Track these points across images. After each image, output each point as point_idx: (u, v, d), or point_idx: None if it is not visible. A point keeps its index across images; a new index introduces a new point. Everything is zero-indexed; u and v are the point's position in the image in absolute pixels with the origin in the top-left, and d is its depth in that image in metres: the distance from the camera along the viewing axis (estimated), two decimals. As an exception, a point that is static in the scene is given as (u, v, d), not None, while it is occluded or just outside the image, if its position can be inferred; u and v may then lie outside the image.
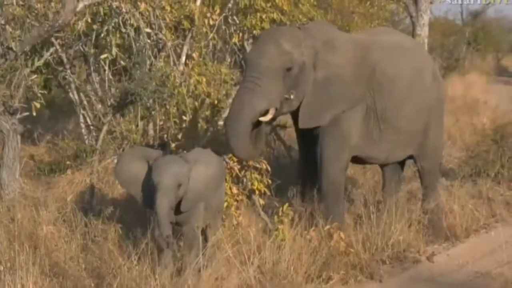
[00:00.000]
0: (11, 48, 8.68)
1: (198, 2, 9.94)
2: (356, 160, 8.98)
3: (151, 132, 10.42)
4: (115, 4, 8.98)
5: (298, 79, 8.05)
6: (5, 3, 8.95)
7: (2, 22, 8.94)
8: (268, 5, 10.29)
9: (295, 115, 8.38)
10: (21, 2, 9.04)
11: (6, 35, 8.79)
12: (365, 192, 9.67)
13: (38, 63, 9.35)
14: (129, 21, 9.43)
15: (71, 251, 7.64)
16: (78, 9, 8.60)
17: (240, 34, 10.47)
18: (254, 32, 10.18)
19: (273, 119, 8.27)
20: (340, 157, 8.44)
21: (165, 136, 10.22)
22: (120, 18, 9.45)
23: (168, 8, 9.39)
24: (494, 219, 9.60)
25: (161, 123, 10.14)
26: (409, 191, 10.36)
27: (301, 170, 9.01)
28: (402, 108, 8.67)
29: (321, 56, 8.17)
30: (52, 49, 9.57)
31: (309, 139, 8.55)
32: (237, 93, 8.16)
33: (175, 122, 9.27)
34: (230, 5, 10.48)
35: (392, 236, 8.12)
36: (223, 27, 10.25)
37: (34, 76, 9.11)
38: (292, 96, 8.02)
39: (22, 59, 8.93)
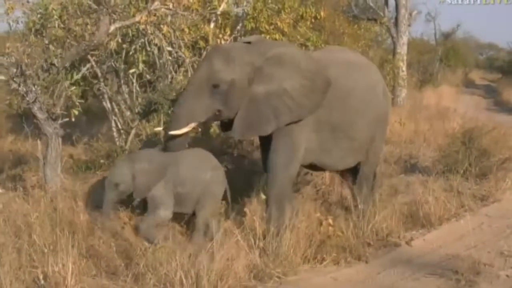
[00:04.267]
0: (54, 64, 8.68)
1: (212, 25, 9.96)
2: (313, 167, 8.56)
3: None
4: (141, 26, 8.98)
5: (227, 94, 7.47)
6: (48, 26, 8.95)
7: (46, 42, 8.96)
8: (271, 27, 10.33)
9: (226, 123, 7.90)
10: (62, 25, 9.03)
11: (50, 53, 8.80)
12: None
13: (77, 76, 9.34)
14: (153, 41, 9.47)
15: (104, 235, 7.65)
16: (110, 31, 8.60)
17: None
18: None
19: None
20: (288, 167, 7.82)
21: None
22: (146, 38, 9.48)
23: (186, 30, 9.40)
24: (463, 209, 9.56)
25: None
26: (391, 186, 10.35)
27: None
28: (356, 120, 8.17)
29: (265, 71, 7.55)
30: (88, 65, 9.58)
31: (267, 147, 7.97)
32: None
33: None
34: (239, 27, 10.50)
35: (376, 224, 8.11)
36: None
37: (73, 88, 9.09)
38: (219, 112, 7.56)
39: (63, 73, 8.93)
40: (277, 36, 10.41)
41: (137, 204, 7.92)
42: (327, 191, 9.66)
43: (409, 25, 22.42)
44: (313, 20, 11.26)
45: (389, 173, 11.33)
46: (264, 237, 7.30)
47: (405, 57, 21.47)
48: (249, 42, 7.80)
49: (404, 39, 21.79)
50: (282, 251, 7.19)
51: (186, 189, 7.74)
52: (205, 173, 7.79)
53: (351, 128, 8.16)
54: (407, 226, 8.65)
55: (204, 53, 8.38)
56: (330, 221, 7.63)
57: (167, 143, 7.69)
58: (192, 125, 7.54)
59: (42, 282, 6.19)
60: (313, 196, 9.49)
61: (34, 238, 6.98)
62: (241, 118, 7.56)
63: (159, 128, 8.39)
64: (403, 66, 20.72)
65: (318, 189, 9.88)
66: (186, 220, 7.92)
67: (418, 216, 8.92)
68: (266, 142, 7.90)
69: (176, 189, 7.72)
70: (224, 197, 7.95)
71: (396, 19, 21.87)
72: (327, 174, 10.48)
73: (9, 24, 9.09)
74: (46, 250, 6.44)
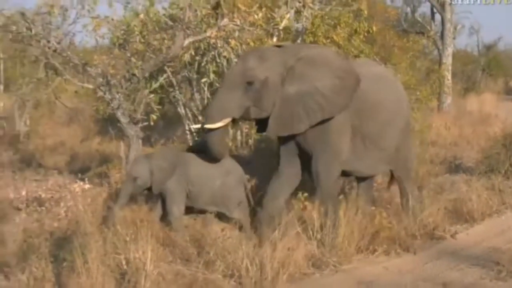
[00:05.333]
0: (135, 75, 8.79)
1: (275, 39, 9.95)
2: (343, 173, 8.11)
3: (239, 137, 10.50)
4: (212, 41, 9.03)
5: (260, 92, 7.26)
6: (130, 41, 9.07)
7: (128, 55, 9.08)
8: (328, 41, 10.27)
9: (262, 124, 7.66)
10: (142, 40, 9.15)
11: (131, 65, 8.91)
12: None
13: (155, 85, 9.44)
14: (222, 54, 9.49)
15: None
16: (184, 45, 8.67)
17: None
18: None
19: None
20: (331, 171, 7.61)
21: (249, 140, 10.30)
22: (216, 51, 9.51)
23: (252, 43, 9.39)
24: (504, 206, 9.39)
25: (246, 130, 10.28)
26: (438, 184, 10.21)
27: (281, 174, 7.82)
28: (385, 130, 7.91)
29: (298, 71, 7.30)
30: (165, 75, 9.66)
31: (291, 147, 7.70)
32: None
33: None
34: (299, 41, 10.45)
35: (423, 219, 8.01)
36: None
37: (151, 95, 9.19)
38: (253, 108, 7.34)
39: (143, 83, 9.04)
40: (333, 49, 10.34)
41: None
42: (379, 188, 9.55)
43: (454, 38, 22.13)
44: (366, 34, 11.13)
45: (435, 173, 11.20)
46: (322, 230, 7.28)
47: (450, 67, 21.17)
48: (279, 46, 7.66)
49: (449, 51, 21.52)
50: (337, 242, 7.15)
51: (195, 187, 7.79)
52: (214, 174, 7.80)
53: (381, 139, 7.91)
54: (451, 221, 8.53)
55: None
56: (382, 215, 7.57)
57: (211, 151, 7.54)
58: (226, 120, 7.33)
59: (125, 267, 6.27)
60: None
61: (117, 228, 7.08)
62: (275, 117, 7.34)
63: (197, 126, 8.22)
64: (448, 75, 20.43)
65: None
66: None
67: (462, 212, 8.79)
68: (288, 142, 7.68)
69: (187, 187, 7.79)
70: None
71: (442, 32, 21.64)
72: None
73: (96, 39, 9.23)
74: (128, 239, 6.51)
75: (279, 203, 7.60)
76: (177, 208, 7.74)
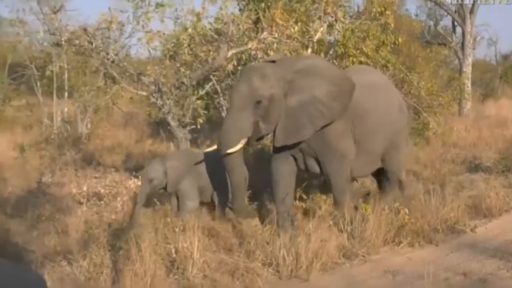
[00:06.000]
0: (184, 83, 8.85)
1: (309, 50, 9.91)
2: None
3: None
4: (253, 52, 9.04)
5: (269, 109, 7.03)
6: (180, 52, 9.13)
7: (178, 65, 9.15)
8: (357, 51, 10.21)
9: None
10: (190, 52, 9.20)
11: (180, 74, 8.98)
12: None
13: (201, 92, 9.49)
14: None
15: (222, 219, 7.74)
16: (228, 56, 8.70)
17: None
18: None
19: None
20: (341, 172, 7.50)
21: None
22: (256, 61, 9.51)
23: (288, 54, 9.38)
24: (520, 203, 9.23)
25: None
26: (458, 182, 10.08)
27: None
28: (373, 137, 7.69)
29: (296, 83, 7.11)
30: (210, 83, 9.71)
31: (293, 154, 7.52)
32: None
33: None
34: (331, 52, 10.41)
35: (445, 214, 7.90)
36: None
37: (198, 101, 9.24)
38: (262, 125, 7.09)
39: (191, 90, 9.09)
40: (362, 59, 10.29)
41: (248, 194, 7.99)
42: (404, 185, 9.45)
43: (473, 49, 21.82)
44: (392, 45, 11.05)
45: (456, 172, 11.05)
46: (351, 223, 7.23)
47: (469, 75, 20.88)
48: (273, 61, 7.40)
49: (469, 60, 21.25)
50: (366, 234, 7.10)
51: (203, 183, 7.84)
52: (218, 171, 7.73)
53: (368, 144, 7.69)
54: (471, 216, 8.38)
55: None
56: (406, 210, 7.49)
57: (227, 163, 7.24)
58: (243, 141, 7.09)
59: (174, 255, 6.31)
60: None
61: (168, 220, 7.13)
62: (282, 128, 7.14)
63: (213, 147, 7.82)
64: (468, 82, 20.14)
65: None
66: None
67: (481, 208, 8.64)
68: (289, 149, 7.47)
69: (198, 183, 7.82)
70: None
71: (462, 43, 21.38)
72: (403, 172, 10.28)
73: (149, 51, 9.33)
74: (177, 230, 6.56)
75: (290, 198, 7.53)
76: (192, 203, 7.81)
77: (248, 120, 6.99)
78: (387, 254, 7.06)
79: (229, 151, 7.03)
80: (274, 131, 7.23)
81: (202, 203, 8.03)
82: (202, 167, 7.92)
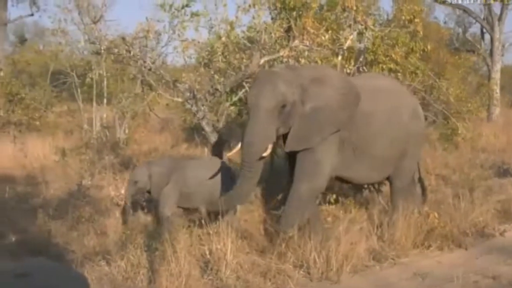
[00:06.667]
0: (218, 89, 8.87)
1: (339, 58, 9.87)
2: (341, 180, 7.71)
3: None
4: (284, 59, 9.02)
5: (289, 114, 6.83)
6: (214, 60, 9.17)
7: (212, 72, 9.18)
8: (387, 58, 10.14)
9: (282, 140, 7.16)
10: (224, 59, 9.23)
11: (214, 81, 9.00)
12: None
13: (235, 99, 9.50)
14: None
15: (255, 222, 7.74)
16: (260, 63, 8.70)
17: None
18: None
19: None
20: (312, 181, 6.99)
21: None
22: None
23: (319, 62, 9.32)
24: (549, 207, 9.04)
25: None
26: (487, 187, 9.93)
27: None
28: (375, 140, 7.33)
29: (311, 91, 6.91)
30: (243, 90, 9.72)
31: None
32: (244, 134, 6.95)
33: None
34: (361, 59, 10.35)
35: (474, 218, 7.80)
36: (356, 74, 10.08)
37: (232, 107, 9.27)
38: (280, 130, 6.88)
39: (224, 96, 9.12)
40: (391, 66, 10.22)
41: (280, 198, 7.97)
42: (433, 189, 9.35)
43: (502, 55, 21.57)
44: (421, 52, 10.95)
45: (485, 177, 10.88)
46: (381, 226, 7.17)
47: (498, 82, 20.59)
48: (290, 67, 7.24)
49: (497, 67, 20.99)
50: (396, 237, 7.05)
51: (189, 189, 7.69)
52: (207, 175, 7.64)
53: (371, 148, 7.32)
54: (500, 220, 8.27)
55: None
56: (435, 214, 7.41)
57: (251, 167, 6.88)
58: (271, 146, 6.87)
59: (208, 256, 6.33)
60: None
61: (202, 222, 7.15)
62: (294, 134, 6.91)
63: (232, 153, 7.54)
64: (497, 88, 19.87)
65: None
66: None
67: (510, 212, 8.52)
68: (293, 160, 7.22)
69: (182, 189, 7.69)
70: None
71: (491, 50, 21.16)
72: (432, 177, 10.20)
73: (184, 59, 9.37)
74: (211, 232, 6.57)
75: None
76: (168, 209, 7.70)
77: (274, 124, 6.80)
78: (417, 257, 6.99)
79: (263, 155, 6.82)
80: (284, 136, 7.07)
81: (188, 210, 7.97)
82: (189, 174, 7.80)
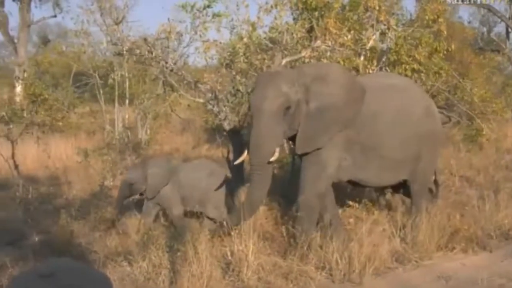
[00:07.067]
0: (239, 90, 8.89)
1: (362, 58, 9.84)
2: (354, 183, 7.55)
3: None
4: (306, 60, 9.00)
5: (294, 114, 6.70)
6: (235, 61, 9.18)
7: (234, 73, 9.19)
8: (410, 59, 10.08)
9: (292, 141, 7.09)
10: (245, 60, 9.23)
11: (236, 82, 9.02)
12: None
13: (256, 99, 9.50)
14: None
15: (275, 223, 7.74)
16: (282, 64, 8.69)
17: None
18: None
19: None
20: (316, 184, 6.88)
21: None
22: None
23: (341, 62, 9.30)
24: None
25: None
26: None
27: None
28: (385, 140, 7.11)
29: (314, 89, 6.74)
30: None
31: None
32: (250, 138, 6.79)
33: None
34: (383, 59, 10.30)
35: (499, 220, 7.72)
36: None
37: (253, 108, 9.25)
38: (287, 132, 6.76)
39: (246, 97, 9.12)
40: (415, 66, 10.16)
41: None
42: (457, 191, 9.27)
43: (526, 55, 21.33)
44: (445, 52, 10.86)
45: (510, 178, 10.74)
46: (404, 228, 7.13)
47: (522, 80, 20.38)
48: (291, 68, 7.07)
49: (522, 66, 20.77)
50: (419, 239, 6.99)
51: (185, 191, 7.71)
52: (200, 177, 7.70)
53: (380, 148, 7.12)
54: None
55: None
56: (459, 216, 7.35)
57: (260, 171, 6.74)
58: (278, 149, 6.72)
59: (229, 257, 6.34)
60: (445, 195, 9.14)
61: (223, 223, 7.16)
62: (302, 135, 6.77)
63: (242, 158, 7.24)
64: (522, 88, 19.66)
65: (450, 189, 9.52)
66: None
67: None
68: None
69: (179, 191, 7.73)
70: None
71: (516, 50, 20.91)
72: (456, 178, 10.11)
73: (206, 60, 9.40)
74: (233, 233, 6.58)
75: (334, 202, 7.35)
76: (176, 210, 7.78)
77: (280, 126, 6.67)
78: (440, 259, 6.93)
79: (271, 159, 6.65)
80: (293, 139, 6.97)
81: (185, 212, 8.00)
82: (185, 176, 7.82)
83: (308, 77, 6.83)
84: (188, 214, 8.02)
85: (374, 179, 7.38)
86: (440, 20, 10.58)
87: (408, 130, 7.28)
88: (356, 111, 6.89)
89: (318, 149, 6.83)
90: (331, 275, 6.27)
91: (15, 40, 21.27)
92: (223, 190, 7.80)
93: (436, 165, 8.09)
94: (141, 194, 8.00)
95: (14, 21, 25.99)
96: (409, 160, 7.40)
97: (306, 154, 6.93)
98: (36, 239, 7.31)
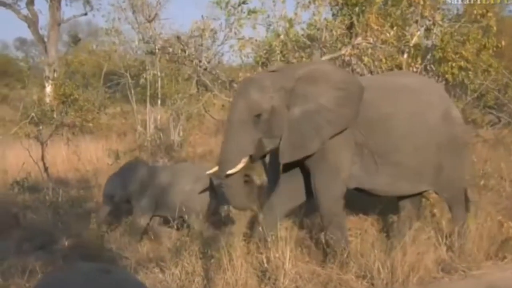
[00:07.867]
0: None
1: (405, 56, 9.75)
2: (363, 192, 7.09)
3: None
4: (346, 58, 8.97)
5: (270, 122, 6.45)
6: (272, 59, 9.17)
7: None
8: (457, 56, 9.94)
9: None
10: (282, 58, 9.21)
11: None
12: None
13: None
14: (356, 70, 9.37)
15: (309, 231, 7.70)
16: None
17: (435, 78, 10.07)
18: (446, 76, 9.80)
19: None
20: (331, 189, 6.64)
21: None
22: (350, 67, 9.41)
23: (383, 60, 9.25)
24: None
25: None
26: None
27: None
28: (397, 145, 6.68)
29: (298, 92, 6.49)
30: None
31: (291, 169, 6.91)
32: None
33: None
34: (428, 57, 10.18)
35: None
36: (423, 73, 9.91)
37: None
38: (266, 140, 6.55)
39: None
40: (462, 64, 10.01)
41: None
42: (509, 196, 9.09)
43: None
44: (494, 49, 10.68)
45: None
46: (450, 236, 7.03)
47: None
48: (274, 71, 6.82)
49: None
50: (467, 248, 6.87)
51: (165, 197, 7.67)
52: (183, 185, 7.68)
53: (392, 153, 6.72)
54: None
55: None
56: (511, 223, 7.21)
57: (225, 181, 6.73)
58: (245, 160, 6.53)
59: (266, 265, 6.31)
60: (495, 200, 8.96)
61: (259, 229, 7.15)
62: (286, 142, 6.52)
63: (214, 170, 6.98)
64: None
65: (500, 195, 9.35)
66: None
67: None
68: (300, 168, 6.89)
69: (157, 197, 7.70)
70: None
71: None
72: (507, 183, 9.91)
73: (241, 58, 9.43)
74: (269, 240, 6.56)
75: (273, 215, 6.84)
76: (143, 220, 7.78)
77: (249, 136, 6.48)
78: (490, 269, 6.80)
79: (229, 172, 6.53)
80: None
81: (164, 217, 8.00)
82: (163, 180, 7.81)
83: (291, 79, 6.57)
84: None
85: (388, 188, 7.00)
86: (489, 14, 10.39)
87: (423, 138, 6.86)
88: (355, 111, 6.59)
89: (324, 154, 6.63)
90: (372, 284, 6.21)
91: (45, 39, 21.61)
92: (206, 196, 7.81)
93: (465, 171, 7.65)
94: (127, 202, 8.01)
95: (44, 20, 26.30)
96: (428, 169, 6.96)
97: (294, 163, 6.74)
98: (66, 243, 7.41)
